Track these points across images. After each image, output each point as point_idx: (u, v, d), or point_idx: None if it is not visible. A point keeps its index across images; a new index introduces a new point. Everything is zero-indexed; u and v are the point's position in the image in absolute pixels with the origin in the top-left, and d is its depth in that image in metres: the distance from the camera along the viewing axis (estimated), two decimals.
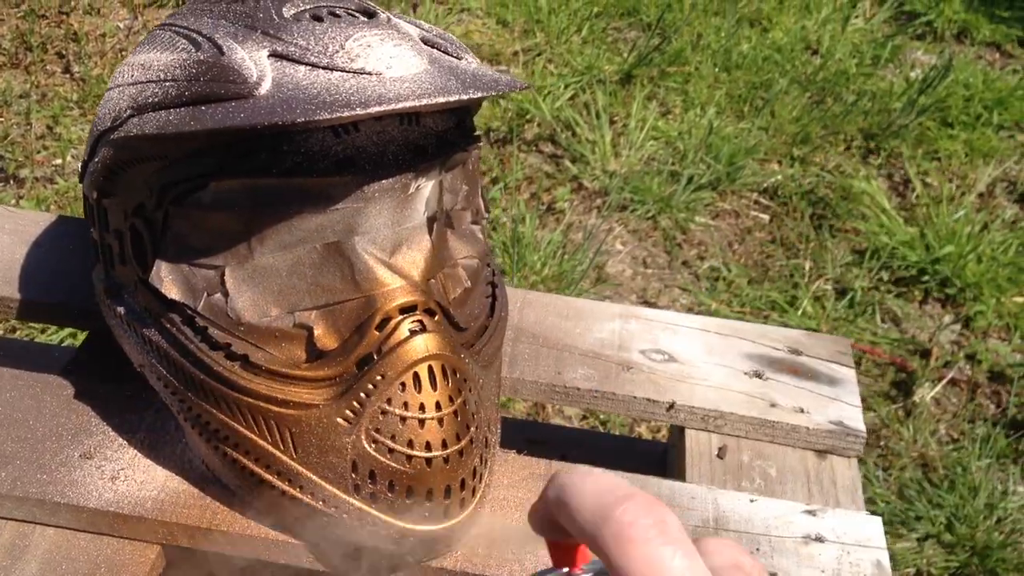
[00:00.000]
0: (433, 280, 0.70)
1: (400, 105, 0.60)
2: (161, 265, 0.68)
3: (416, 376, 0.66)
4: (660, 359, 0.90)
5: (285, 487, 0.69)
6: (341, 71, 0.63)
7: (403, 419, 0.65)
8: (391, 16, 0.70)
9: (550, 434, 1.13)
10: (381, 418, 0.66)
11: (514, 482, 0.78)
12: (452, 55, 0.70)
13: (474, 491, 0.70)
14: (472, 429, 0.68)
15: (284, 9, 0.67)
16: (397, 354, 0.65)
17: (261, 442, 0.68)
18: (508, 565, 0.71)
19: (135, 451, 0.76)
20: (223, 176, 0.65)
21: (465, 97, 0.62)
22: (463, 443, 0.67)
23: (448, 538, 0.70)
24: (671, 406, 0.86)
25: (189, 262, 0.68)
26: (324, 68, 0.63)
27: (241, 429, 0.68)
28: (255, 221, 0.66)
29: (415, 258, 0.68)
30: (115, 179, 0.71)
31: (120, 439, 0.77)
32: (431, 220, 0.70)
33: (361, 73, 0.63)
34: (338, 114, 0.59)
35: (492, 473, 0.74)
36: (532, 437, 0.99)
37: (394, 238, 0.68)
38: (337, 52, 0.64)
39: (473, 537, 0.72)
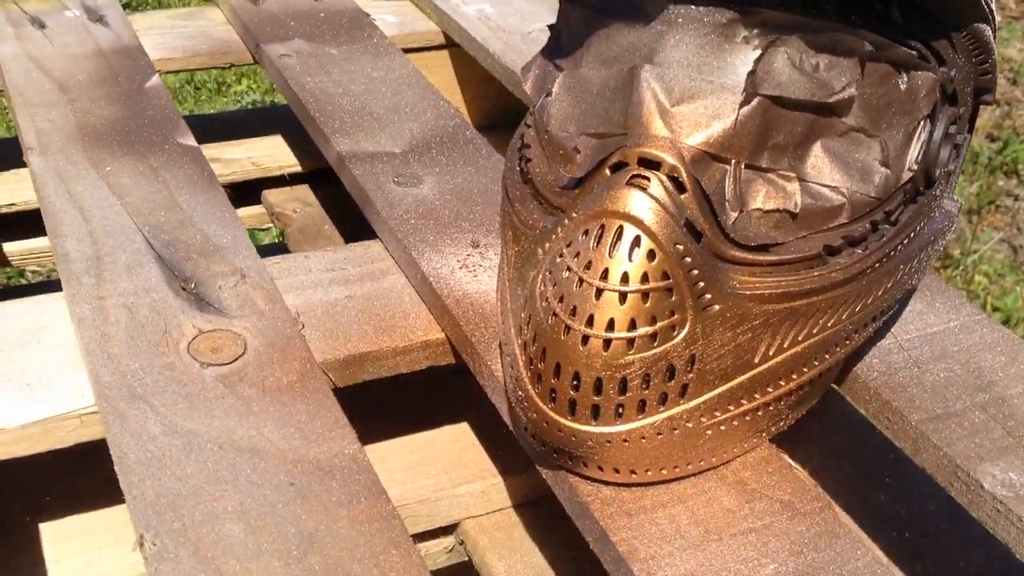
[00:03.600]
0: (727, 167, 0.54)
1: None
2: (536, 60, 0.66)
3: (602, 229, 0.53)
4: None
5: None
6: None
7: (568, 269, 0.53)
8: None
9: None
10: (556, 261, 0.55)
11: (764, 487, 0.57)
12: None
13: (642, 407, 0.54)
14: (656, 332, 0.53)
15: None
16: (599, 196, 0.53)
17: (506, 248, 0.63)
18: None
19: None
20: None
21: None
22: (628, 334, 0.52)
23: (585, 445, 0.55)
24: None
25: (553, 60, 0.64)
26: None
27: (506, 230, 0.64)
28: (594, 26, 0.60)
29: (700, 119, 0.54)
30: None
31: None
32: (752, 93, 0.53)
33: None
34: None
35: (734, 450, 0.60)
36: None
37: (688, 85, 0.54)
38: None
39: None
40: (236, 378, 0.64)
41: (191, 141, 0.90)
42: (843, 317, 0.58)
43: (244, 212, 1.25)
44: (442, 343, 0.72)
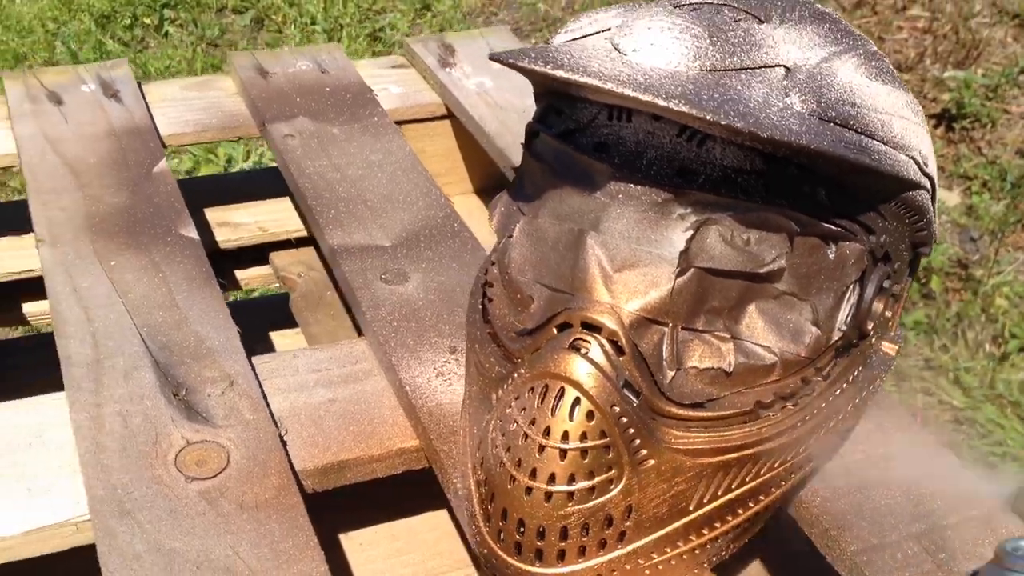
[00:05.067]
0: (665, 329, 0.58)
1: (577, 78, 0.52)
2: (502, 197, 0.70)
3: (545, 389, 0.57)
4: None
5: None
6: (607, 41, 0.58)
7: (514, 422, 0.58)
8: (778, 26, 0.59)
9: None
10: (506, 412, 0.59)
11: None
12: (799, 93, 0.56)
13: (582, 551, 0.60)
14: (595, 486, 0.58)
15: None
16: (544, 357, 0.58)
17: (469, 382, 0.68)
18: None
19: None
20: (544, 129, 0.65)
21: (662, 103, 0.51)
22: (568, 488, 0.58)
23: None
24: None
25: (517, 201, 0.69)
26: (603, 36, 0.59)
27: (470, 365, 0.68)
28: (550, 182, 0.64)
29: (639, 287, 0.58)
30: None
31: None
32: (687, 267, 0.58)
33: (615, 49, 0.57)
34: (521, 62, 0.55)
35: None
36: None
37: (629, 254, 0.59)
38: (623, 27, 0.58)
39: None
40: (217, 493, 0.69)
41: (192, 233, 0.95)
42: (775, 466, 0.62)
43: (254, 272, 1.30)
44: (417, 450, 0.77)
